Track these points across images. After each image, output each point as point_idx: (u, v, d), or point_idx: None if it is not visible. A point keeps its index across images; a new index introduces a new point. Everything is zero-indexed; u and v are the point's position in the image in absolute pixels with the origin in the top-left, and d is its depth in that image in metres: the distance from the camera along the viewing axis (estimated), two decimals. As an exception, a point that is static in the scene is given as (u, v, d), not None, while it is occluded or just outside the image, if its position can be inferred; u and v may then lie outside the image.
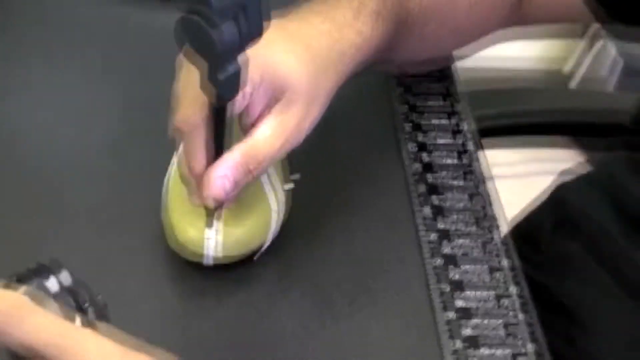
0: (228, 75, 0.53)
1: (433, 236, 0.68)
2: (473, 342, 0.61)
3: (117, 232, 0.67)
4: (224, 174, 0.57)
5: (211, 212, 0.61)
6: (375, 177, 0.73)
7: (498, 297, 0.64)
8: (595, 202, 0.78)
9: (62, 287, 0.45)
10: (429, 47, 0.75)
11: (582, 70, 2.15)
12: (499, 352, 0.60)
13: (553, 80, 2.23)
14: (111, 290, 0.46)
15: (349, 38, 0.64)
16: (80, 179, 0.71)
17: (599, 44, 2.09)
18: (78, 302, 0.45)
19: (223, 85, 0.53)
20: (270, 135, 0.59)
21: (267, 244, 0.64)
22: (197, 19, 0.50)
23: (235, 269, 0.64)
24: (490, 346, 0.60)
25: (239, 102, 0.57)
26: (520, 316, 0.63)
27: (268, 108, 0.59)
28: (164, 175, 0.67)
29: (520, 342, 0.61)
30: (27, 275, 0.44)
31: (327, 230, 0.68)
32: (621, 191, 0.77)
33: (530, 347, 0.61)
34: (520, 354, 0.60)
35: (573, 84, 2.16)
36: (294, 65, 0.59)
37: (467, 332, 0.61)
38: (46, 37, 0.84)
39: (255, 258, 0.64)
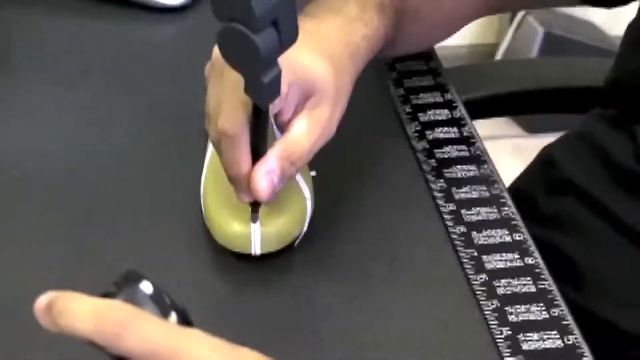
0: (271, 78, 0.56)
1: (451, 206, 0.72)
2: (508, 299, 0.65)
3: (160, 232, 0.69)
4: (271, 169, 0.61)
5: (256, 208, 0.64)
6: (386, 157, 0.77)
7: (522, 257, 0.69)
8: (580, 157, 0.84)
9: (146, 296, 0.47)
10: (424, 32, 0.80)
11: (505, 42, 2.23)
12: (533, 307, 0.65)
13: (478, 54, 2.31)
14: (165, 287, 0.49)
15: (360, 31, 0.68)
16: (116, 184, 0.74)
17: (519, 16, 2.18)
18: (163, 309, 0.48)
19: (267, 88, 0.57)
20: (307, 129, 0.63)
21: (305, 229, 0.68)
22: (240, 27, 0.53)
23: (278, 257, 0.67)
24: (524, 302, 0.65)
25: (277, 102, 0.61)
26: (546, 273, 0.68)
27: (300, 105, 0.64)
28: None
29: (550, 297, 0.66)
30: (117, 286, 0.47)
31: (353, 212, 0.72)
32: (601, 145, 0.83)
33: (559, 299, 0.66)
34: (553, 306, 0.65)
35: (498, 55, 2.25)
36: (320, 65, 0.64)
37: (500, 290, 0.66)
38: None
39: (295, 244, 0.67)
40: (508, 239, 0.70)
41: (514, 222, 0.71)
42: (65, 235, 0.70)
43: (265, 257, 0.67)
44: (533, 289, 0.66)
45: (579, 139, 0.87)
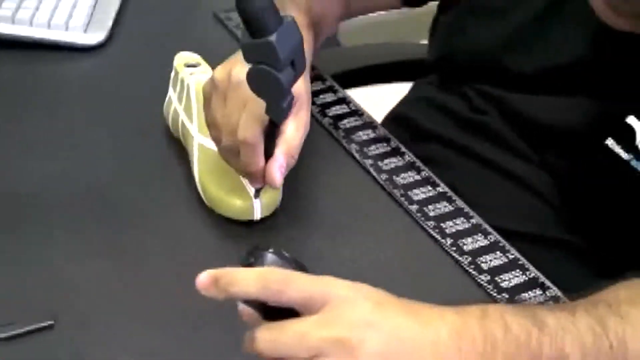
0: (288, 102, 0.78)
1: (384, 175, 0.96)
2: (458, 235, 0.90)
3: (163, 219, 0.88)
4: (280, 164, 0.82)
5: (259, 191, 0.85)
6: (321, 154, 0.99)
7: (450, 203, 0.93)
8: (429, 113, 1.10)
9: (276, 259, 0.64)
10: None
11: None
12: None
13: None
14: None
15: (306, 38, 0.90)
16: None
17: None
18: (291, 267, 0.64)
19: (285, 109, 0.79)
20: (296, 131, 0.84)
21: (280, 199, 0.89)
22: (268, 68, 0.74)
23: (268, 221, 0.88)
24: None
25: None
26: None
27: None
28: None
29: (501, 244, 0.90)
30: (254, 257, 0.63)
31: (313, 186, 0.94)
32: (442, 103, 1.10)
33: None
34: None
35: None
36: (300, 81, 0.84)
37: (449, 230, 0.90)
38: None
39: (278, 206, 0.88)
40: (433, 193, 0.95)
41: (432, 180, 0.96)
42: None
43: (259, 223, 0.87)
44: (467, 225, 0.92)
45: (421, 100, 1.13)
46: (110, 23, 1.14)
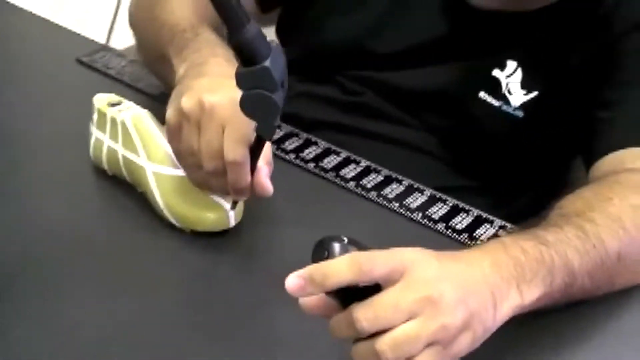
0: (278, 120, 0.84)
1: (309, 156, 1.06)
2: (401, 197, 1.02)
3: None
4: (266, 172, 0.88)
5: (235, 203, 0.92)
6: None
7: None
8: (309, 107, 1.20)
9: (345, 246, 0.71)
10: None
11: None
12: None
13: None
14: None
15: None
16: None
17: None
18: (358, 248, 0.71)
19: (276, 127, 0.85)
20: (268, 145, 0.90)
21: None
22: (265, 92, 0.80)
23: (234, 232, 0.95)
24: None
25: None
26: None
27: None
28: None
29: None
30: (326, 252, 0.70)
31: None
32: (319, 94, 1.21)
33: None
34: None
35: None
36: None
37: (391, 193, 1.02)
38: None
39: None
40: (360, 168, 1.06)
41: (352, 158, 1.08)
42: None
43: (229, 232, 0.94)
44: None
45: (300, 95, 1.22)
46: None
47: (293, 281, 0.69)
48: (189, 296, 0.89)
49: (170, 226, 0.94)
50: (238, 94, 0.84)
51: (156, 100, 1.13)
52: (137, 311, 0.84)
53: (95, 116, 1.01)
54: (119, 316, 0.83)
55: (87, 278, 0.88)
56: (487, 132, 1.12)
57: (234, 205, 0.92)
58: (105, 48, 1.28)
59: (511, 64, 1.07)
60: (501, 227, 0.97)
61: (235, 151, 0.85)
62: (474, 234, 0.96)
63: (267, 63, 0.79)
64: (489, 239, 0.95)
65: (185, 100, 0.87)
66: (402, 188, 1.03)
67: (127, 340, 0.81)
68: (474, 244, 0.94)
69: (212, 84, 0.88)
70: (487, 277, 0.75)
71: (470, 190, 1.14)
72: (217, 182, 0.89)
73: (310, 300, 0.72)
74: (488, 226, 0.97)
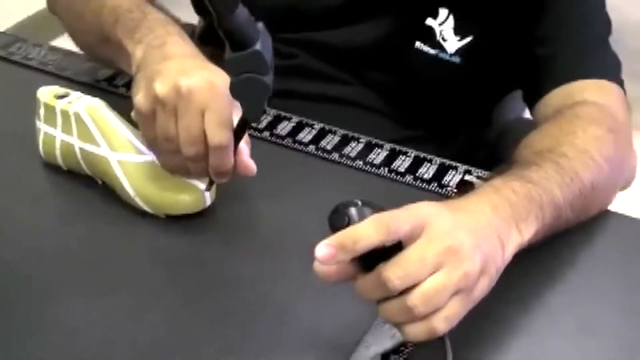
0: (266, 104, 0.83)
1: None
2: (362, 155, 1.02)
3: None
4: (247, 152, 0.88)
5: (211, 182, 0.90)
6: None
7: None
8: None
9: (362, 208, 0.71)
10: None
11: None
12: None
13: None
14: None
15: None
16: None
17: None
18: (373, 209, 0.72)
19: (263, 110, 0.83)
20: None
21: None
22: (257, 76, 0.79)
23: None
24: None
25: None
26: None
27: None
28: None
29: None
30: (347, 216, 0.70)
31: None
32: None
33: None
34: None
35: None
36: None
37: (351, 152, 1.02)
38: None
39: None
40: (315, 131, 1.06)
41: (305, 122, 1.07)
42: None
43: (205, 212, 0.93)
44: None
45: None
46: None
47: (324, 250, 0.68)
48: (178, 280, 0.87)
49: (143, 213, 0.92)
50: (213, 75, 0.83)
51: (92, 87, 1.09)
52: (134, 305, 0.82)
53: (42, 111, 0.97)
54: (116, 313, 0.81)
55: (72, 280, 0.85)
56: (427, 81, 1.14)
57: (210, 186, 0.91)
58: (18, 39, 1.23)
59: (443, 12, 1.09)
60: (467, 172, 1.00)
61: (220, 135, 0.83)
62: (442, 182, 0.98)
63: (258, 46, 0.78)
64: (458, 184, 0.97)
65: (159, 85, 0.84)
66: (361, 145, 1.04)
67: (129, 336, 0.79)
68: (448, 193, 0.96)
69: (183, 67, 0.86)
70: (491, 221, 0.77)
71: (415, 140, 1.16)
72: (196, 166, 0.87)
73: (329, 268, 0.72)
74: (454, 172, 1.00)
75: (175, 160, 0.87)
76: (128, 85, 1.12)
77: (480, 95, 1.17)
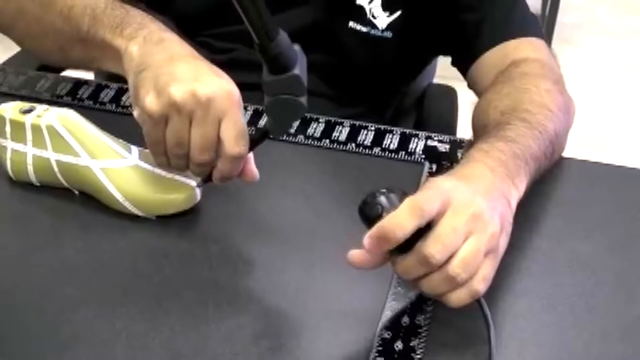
0: None
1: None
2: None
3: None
4: (251, 159, 0.89)
5: (205, 180, 0.91)
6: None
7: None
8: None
9: (390, 194, 0.75)
10: None
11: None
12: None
13: None
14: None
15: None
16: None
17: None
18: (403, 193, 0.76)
19: (290, 127, 0.87)
20: None
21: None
22: (294, 98, 0.82)
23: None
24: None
25: None
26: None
27: None
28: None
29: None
30: (380, 206, 0.75)
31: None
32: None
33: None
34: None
35: None
36: None
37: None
38: None
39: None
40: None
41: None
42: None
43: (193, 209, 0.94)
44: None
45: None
46: None
47: (369, 242, 0.73)
48: (186, 278, 0.87)
49: (132, 217, 0.92)
50: (229, 84, 0.86)
51: (55, 103, 1.07)
52: (152, 309, 0.83)
53: (7, 128, 0.94)
54: (138, 319, 0.82)
55: (86, 295, 0.84)
56: (363, 59, 1.18)
57: (203, 183, 0.92)
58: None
59: None
60: (427, 138, 1.05)
61: (239, 147, 0.85)
62: (409, 150, 1.03)
63: (297, 70, 0.81)
64: (423, 151, 1.02)
65: (175, 90, 0.83)
66: (322, 125, 1.07)
67: (159, 339, 0.80)
68: (419, 161, 1.01)
69: (196, 72, 0.86)
70: (494, 183, 0.83)
71: (354, 117, 1.20)
72: (201, 170, 0.88)
73: (366, 256, 0.75)
74: (416, 140, 1.05)
75: (179, 163, 0.88)
76: (93, 97, 1.12)
77: (410, 66, 1.23)
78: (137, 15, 0.95)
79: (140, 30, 0.92)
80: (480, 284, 0.76)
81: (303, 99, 0.83)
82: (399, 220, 0.73)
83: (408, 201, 0.74)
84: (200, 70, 0.87)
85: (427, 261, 0.74)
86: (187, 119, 0.84)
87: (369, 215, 0.75)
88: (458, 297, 0.76)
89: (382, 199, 0.75)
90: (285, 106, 0.83)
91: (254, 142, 0.87)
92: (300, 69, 0.81)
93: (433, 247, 0.73)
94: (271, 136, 0.88)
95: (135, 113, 0.87)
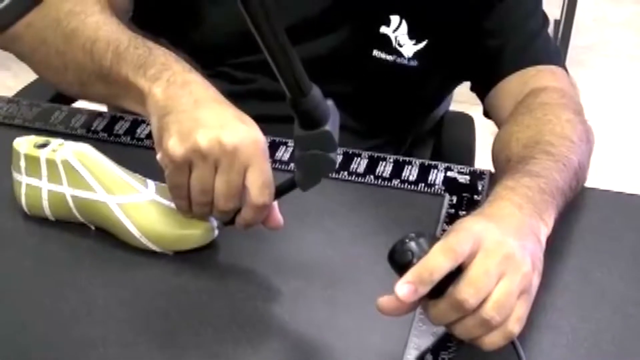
0: None
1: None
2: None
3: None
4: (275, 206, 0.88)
5: (228, 223, 0.89)
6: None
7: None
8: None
9: (425, 240, 0.75)
10: None
11: None
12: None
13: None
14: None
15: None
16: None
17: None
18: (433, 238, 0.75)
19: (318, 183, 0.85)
20: None
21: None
22: (322, 153, 0.81)
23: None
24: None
25: None
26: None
27: None
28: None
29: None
30: (411, 253, 0.74)
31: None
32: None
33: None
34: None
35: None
36: None
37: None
38: None
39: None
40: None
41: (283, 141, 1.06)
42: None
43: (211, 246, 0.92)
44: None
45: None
46: None
47: (404, 288, 0.72)
48: (204, 315, 0.85)
49: (149, 253, 0.91)
50: (255, 132, 0.84)
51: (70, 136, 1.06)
52: (164, 352, 0.81)
53: (22, 163, 0.93)
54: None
55: (101, 333, 0.83)
56: (387, 88, 1.17)
57: (224, 225, 0.91)
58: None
59: (394, 19, 1.12)
60: (447, 169, 1.03)
61: (264, 197, 0.84)
62: (429, 182, 1.01)
63: (328, 127, 0.80)
64: (443, 183, 1.01)
65: (201, 137, 0.82)
66: (340, 157, 1.05)
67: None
68: (439, 193, 1.00)
69: (222, 119, 0.84)
70: (523, 221, 0.81)
71: (375, 148, 1.19)
72: (223, 216, 0.88)
73: (398, 303, 0.73)
74: (435, 171, 1.03)
75: (203, 210, 0.87)
76: (107, 129, 1.11)
77: (433, 94, 1.22)
78: (161, 55, 0.92)
79: (164, 71, 0.90)
80: (514, 326, 0.75)
81: (333, 155, 0.82)
82: (433, 263, 0.72)
83: (440, 244, 0.73)
84: (226, 116, 0.85)
85: (460, 306, 0.72)
86: (212, 166, 0.83)
87: (400, 262, 0.74)
88: (492, 340, 0.75)
89: (412, 245, 0.74)
90: (315, 161, 0.82)
91: (280, 192, 0.86)
92: (332, 125, 0.80)
93: (466, 291, 0.72)
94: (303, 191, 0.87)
95: (158, 156, 0.85)
